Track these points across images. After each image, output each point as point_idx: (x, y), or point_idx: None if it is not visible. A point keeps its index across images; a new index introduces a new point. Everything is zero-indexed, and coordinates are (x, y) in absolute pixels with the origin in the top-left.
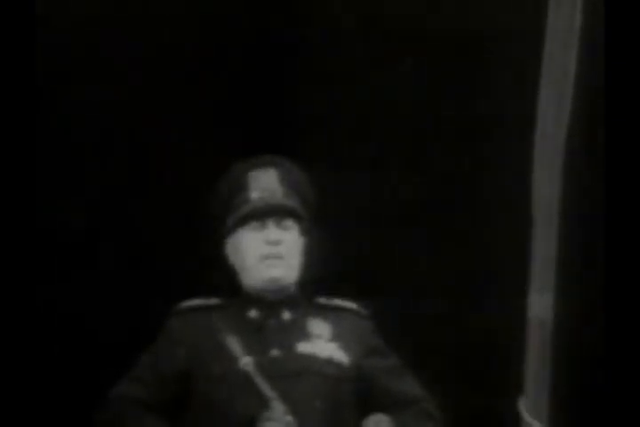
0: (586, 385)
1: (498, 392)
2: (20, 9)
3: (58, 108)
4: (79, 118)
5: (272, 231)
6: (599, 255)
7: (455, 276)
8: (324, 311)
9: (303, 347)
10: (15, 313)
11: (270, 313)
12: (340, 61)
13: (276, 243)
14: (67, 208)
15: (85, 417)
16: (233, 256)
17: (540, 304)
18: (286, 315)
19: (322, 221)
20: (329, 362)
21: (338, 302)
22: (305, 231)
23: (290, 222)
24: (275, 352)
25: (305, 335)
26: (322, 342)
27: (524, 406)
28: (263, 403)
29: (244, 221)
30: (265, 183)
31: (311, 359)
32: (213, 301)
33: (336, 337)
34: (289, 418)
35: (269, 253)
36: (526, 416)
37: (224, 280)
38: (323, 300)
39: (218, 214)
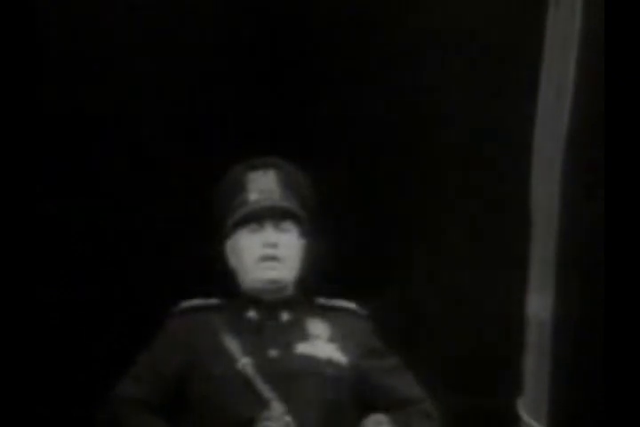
0: (585, 385)
1: (497, 392)
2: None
3: (58, 107)
4: (79, 118)
5: (270, 233)
6: (599, 255)
7: (455, 276)
8: (323, 312)
9: (302, 347)
10: (15, 313)
11: (269, 314)
12: (345, 60)
13: (274, 245)
14: (67, 208)
15: (85, 417)
16: (232, 257)
17: (540, 304)
18: (285, 316)
19: (322, 222)
20: (328, 362)
21: (337, 302)
22: (304, 233)
23: (288, 224)
24: (273, 353)
25: (304, 336)
26: (321, 343)
27: (522, 407)
28: (262, 404)
29: (242, 222)
30: (263, 185)
31: (310, 360)
32: (213, 301)
33: (335, 338)
34: (288, 419)
35: (267, 255)
36: (525, 416)
37: (224, 280)
38: (322, 300)
39: (217, 216)
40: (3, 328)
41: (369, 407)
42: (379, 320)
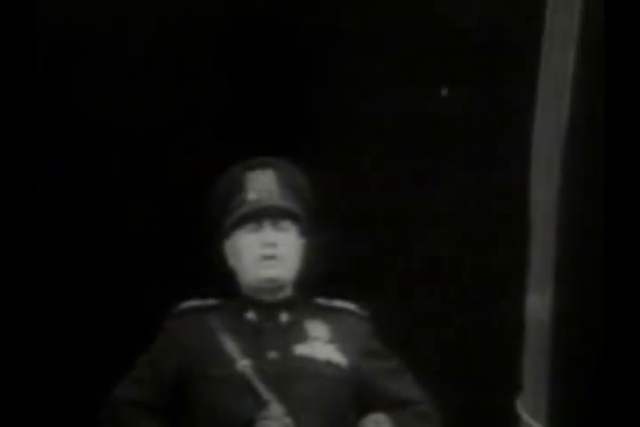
0: (584, 385)
1: (497, 392)
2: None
3: (58, 108)
4: (79, 117)
5: (268, 233)
6: (599, 255)
7: (455, 276)
8: (322, 313)
9: (301, 349)
10: (15, 313)
11: (268, 315)
12: (342, 61)
13: (272, 244)
14: (67, 208)
15: (85, 418)
16: (231, 257)
17: (539, 304)
18: (284, 317)
19: (323, 222)
20: (327, 364)
21: (337, 303)
22: (304, 232)
23: (287, 224)
24: (272, 354)
25: (303, 337)
26: (320, 344)
27: (522, 406)
28: (261, 405)
29: (240, 222)
30: (262, 184)
31: (309, 361)
32: (212, 302)
33: (334, 339)
34: (287, 420)
35: (265, 255)
36: (525, 416)
37: (223, 281)
38: (321, 301)
39: (216, 215)
40: (3, 328)
41: (368, 409)
42: (379, 321)
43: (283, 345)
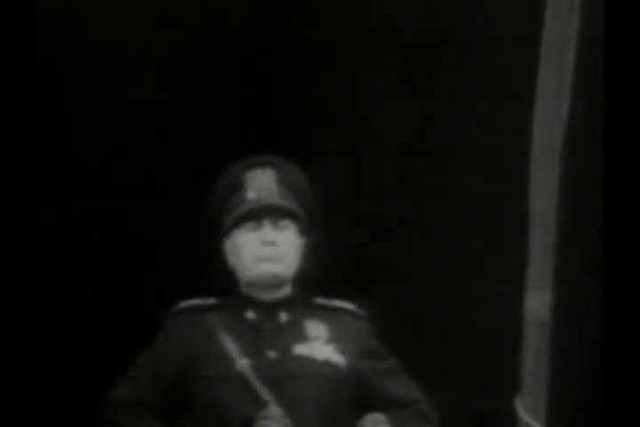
0: (584, 385)
1: (496, 392)
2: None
3: (58, 108)
4: (79, 117)
5: (268, 232)
6: (598, 255)
7: (455, 276)
8: (321, 312)
9: (300, 349)
10: (15, 313)
11: (267, 314)
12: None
13: (272, 243)
14: (67, 208)
15: (85, 418)
16: (230, 256)
17: (538, 304)
18: (283, 316)
19: (323, 221)
20: (326, 364)
21: (336, 302)
22: (303, 232)
23: (286, 223)
24: (271, 354)
25: (302, 337)
26: (319, 344)
27: (521, 406)
28: (260, 405)
29: (240, 221)
30: (261, 183)
31: (308, 361)
32: (211, 301)
33: (333, 339)
34: (286, 420)
35: (264, 254)
36: (524, 416)
37: (223, 280)
38: (320, 300)
39: (215, 214)
40: (3, 328)
41: (366, 408)
42: (377, 320)
43: (282, 345)
